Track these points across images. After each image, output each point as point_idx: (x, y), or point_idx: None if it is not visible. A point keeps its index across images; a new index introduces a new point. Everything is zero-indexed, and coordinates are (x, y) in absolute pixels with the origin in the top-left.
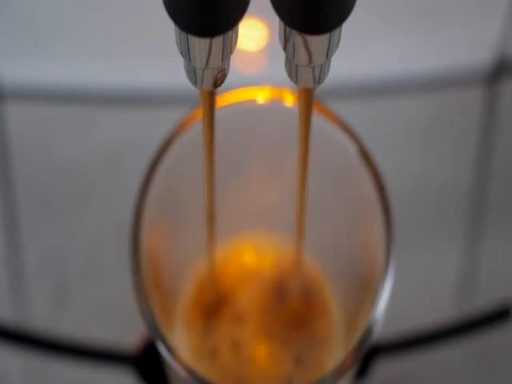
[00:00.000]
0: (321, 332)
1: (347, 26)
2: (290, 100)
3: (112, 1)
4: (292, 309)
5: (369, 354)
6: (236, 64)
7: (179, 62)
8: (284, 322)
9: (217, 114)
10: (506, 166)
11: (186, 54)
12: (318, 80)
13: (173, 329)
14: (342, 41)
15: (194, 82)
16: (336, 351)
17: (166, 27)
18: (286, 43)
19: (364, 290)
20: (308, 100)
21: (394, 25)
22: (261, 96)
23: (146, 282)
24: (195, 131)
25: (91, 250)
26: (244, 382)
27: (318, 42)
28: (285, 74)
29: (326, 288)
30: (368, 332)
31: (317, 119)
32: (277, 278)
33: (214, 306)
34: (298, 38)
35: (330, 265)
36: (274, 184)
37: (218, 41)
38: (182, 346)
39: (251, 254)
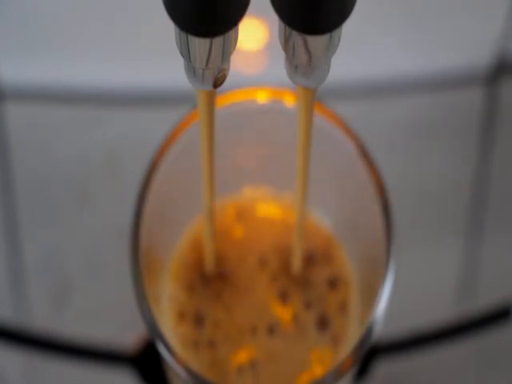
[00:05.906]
0: (339, 300)
1: (347, 26)
2: (290, 100)
3: (112, 1)
4: (303, 271)
5: (369, 354)
6: (236, 64)
7: (179, 61)
8: (296, 284)
9: (217, 114)
10: (506, 165)
11: (186, 54)
12: (318, 80)
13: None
14: (341, 41)
15: (194, 83)
16: (353, 322)
17: (166, 27)
18: (286, 43)
19: (375, 268)
20: (308, 100)
21: (393, 25)
22: (261, 96)
23: (146, 281)
24: (195, 131)
25: (91, 249)
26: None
27: (317, 42)
28: (285, 74)
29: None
30: (368, 332)
31: (317, 119)
32: (283, 239)
33: (214, 271)
34: (298, 38)
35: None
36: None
37: (218, 41)
38: (168, 311)
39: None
